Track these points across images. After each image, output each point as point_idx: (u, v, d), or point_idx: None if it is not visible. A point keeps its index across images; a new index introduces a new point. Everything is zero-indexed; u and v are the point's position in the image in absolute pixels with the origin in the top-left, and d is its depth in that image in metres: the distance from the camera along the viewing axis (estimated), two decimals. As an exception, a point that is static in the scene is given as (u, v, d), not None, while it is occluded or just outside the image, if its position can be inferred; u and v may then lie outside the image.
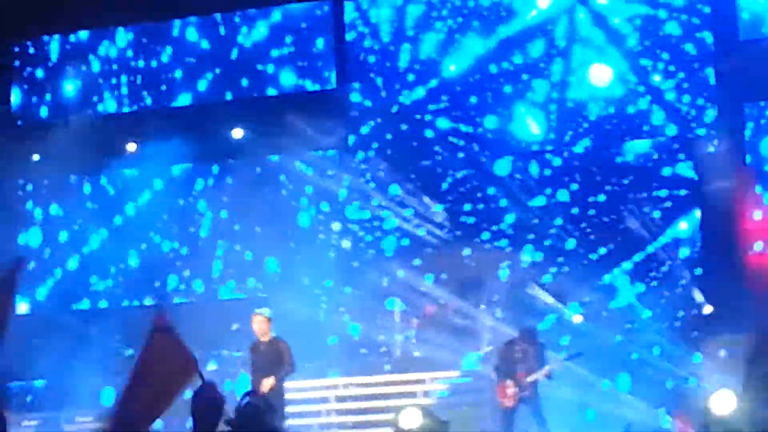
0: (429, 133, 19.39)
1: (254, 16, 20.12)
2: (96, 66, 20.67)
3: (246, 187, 19.57)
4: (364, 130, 19.58)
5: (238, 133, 19.55)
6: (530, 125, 19.02)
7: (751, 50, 17.85)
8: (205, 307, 19.05)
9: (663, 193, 18.38)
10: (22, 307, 19.57)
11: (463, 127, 19.26)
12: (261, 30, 20.08)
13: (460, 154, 19.21)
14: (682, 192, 18.30)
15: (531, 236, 18.64)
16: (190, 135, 19.19)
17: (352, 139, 19.57)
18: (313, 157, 19.63)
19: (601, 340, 17.01)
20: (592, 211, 18.63)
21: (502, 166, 19.08)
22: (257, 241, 19.40)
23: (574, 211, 18.69)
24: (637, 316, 17.82)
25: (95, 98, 20.63)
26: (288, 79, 20.02)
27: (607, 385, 16.98)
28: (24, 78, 21.04)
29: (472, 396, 16.81)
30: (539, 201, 18.80)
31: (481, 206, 19.10)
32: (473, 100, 19.22)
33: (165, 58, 20.47)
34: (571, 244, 18.51)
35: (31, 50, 21.06)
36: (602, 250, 18.40)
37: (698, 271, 17.99)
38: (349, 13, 19.71)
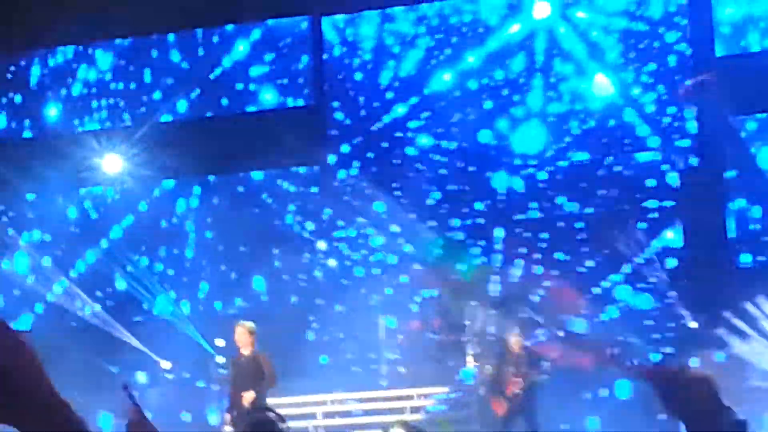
0: (411, 151, 19.42)
1: (234, 35, 20.08)
2: (76, 89, 20.64)
3: (229, 206, 19.58)
4: (345, 148, 19.59)
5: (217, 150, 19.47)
6: (513, 140, 19.07)
7: (728, 65, 17.95)
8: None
9: (650, 204, 18.42)
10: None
11: (444, 144, 19.30)
12: (241, 49, 20.07)
13: (443, 171, 19.23)
14: (668, 203, 18.35)
15: (523, 250, 18.67)
16: (170, 151, 19.12)
17: (333, 158, 19.55)
18: (295, 176, 19.65)
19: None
20: (580, 224, 18.66)
21: (488, 182, 19.10)
22: (243, 261, 19.39)
23: (560, 224, 18.71)
24: (626, 329, 17.85)
25: (76, 121, 20.59)
26: (268, 96, 20.01)
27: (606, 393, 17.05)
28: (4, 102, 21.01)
29: (459, 411, 16.83)
30: (526, 215, 18.83)
31: (468, 221, 19.12)
32: (455, 116, 19.24)
33: (147, 78, 20.42)
34: (559, 257, 18.54)
35: (9, 76, 21.01)
36: (590, 263, 18.45)
37: (682, 283, 18.03)
38: (329, 32, 19.75)
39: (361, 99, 19.64)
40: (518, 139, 19.06)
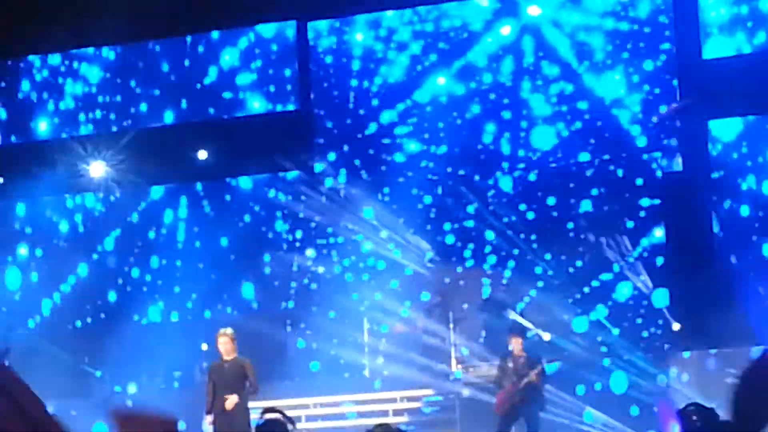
0: (399, 157, 19.49)
1: (222, 43, 20.15)
2: (69, 101, 20.78)
3: (217, 215, 19.70)
4: (331, 156, 19.66)
5: (202, 154, 19.54)
6: (502, 143, 19.13)
7: (714, 68, 17.97)
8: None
9: (639, 203, 18.47)
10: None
11: (433, 149, 19.37)
12: (228, 57, 20.12)
13: (431, 177, 19.30)
14: (656, 201, 18.39)
15: (515, 251, 18.73)
16: (156, 158, 19.21)
17: (319, 166, 19.59)
18: (283, 184, 19.72)
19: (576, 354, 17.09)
20: (570, 224, 18.72)
21: (477, 185, 19.16)
22: (231, 269, 19.48)
23: (549, 225, 18.77)
24: (608, 332, 17.90)
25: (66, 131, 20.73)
26: (256, 104, 20.05)
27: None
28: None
29: (443, 414, 16.90)
30: (515, 217, 18.89)
31: (456, 225, 19.18)
32: (442, 122, 19.31)
33: (135, 87, 20.51)
34: (547, 257, 18.61)
35: (2, 83, 21.18)
36: (578, 263, 18.50)
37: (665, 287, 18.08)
38: (315, 39, 19.83)
39: (350, 105, 19.71)
40: (507, 141, 19.12)
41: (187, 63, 20.27)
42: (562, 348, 17.05)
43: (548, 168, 18.92)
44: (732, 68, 17.87)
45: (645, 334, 17.87)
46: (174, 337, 18.72)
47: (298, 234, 19.68)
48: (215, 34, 20.15)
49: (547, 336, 16.88)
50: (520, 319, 17.31)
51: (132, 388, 19.17)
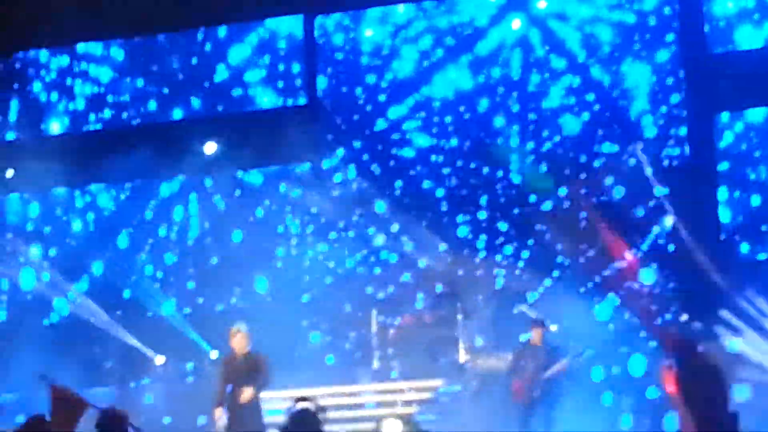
0: (409, 152, 19.59)
1: (230, 40, 20.26)
2: (80, 102, 20.97)
3: (227, 210, 19.83)
4: (340, 152, 19.72)
5: (210, 147, 19.69)
6: (512, 136, 19.22)
7: (720, 62, 18.00)
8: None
9: (646, 195, 18.52)
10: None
11: (443, 142, 19.46)
12: (237, 53, 20.23)
13: (443, 170, 19.41)
14: (665, 191, 18.45)
15: (530, 241, 18.83)
16: (164, 151, 19.28)
17: (327, 163, 19.64)
18: (294, 178, 19.82)
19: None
20: (583, 213, 18.80)
21: (486, 178, 19.26)
22: (245, 263, 19.59)
23: (561, 215, 18.83)
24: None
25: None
26: (265, 99, 20.17)
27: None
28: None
29: (453, 405, 17.00)
30: (525, 209, 18.97)
31: (468, 217, 19.28)
32: (451, 115, 19.39)
33: (140, 84, 20.64)
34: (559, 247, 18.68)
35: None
36: (591, 253, 18.57)
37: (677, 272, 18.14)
38: (323, 34, 19.94)
39: (360, 101, 19.81)
40: (515, 134, 19.21)
41: (194, 61, 20.43)
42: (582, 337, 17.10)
43: (558, 159, 18.99)
44: (741, 60, 17.92)
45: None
46: (186, 331, 18.92)
47: (310, 228, 19.78)
48: (223, 31, 20.26)
49: (554, 327, 16.96)
50: (528, 311, 17.38)
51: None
